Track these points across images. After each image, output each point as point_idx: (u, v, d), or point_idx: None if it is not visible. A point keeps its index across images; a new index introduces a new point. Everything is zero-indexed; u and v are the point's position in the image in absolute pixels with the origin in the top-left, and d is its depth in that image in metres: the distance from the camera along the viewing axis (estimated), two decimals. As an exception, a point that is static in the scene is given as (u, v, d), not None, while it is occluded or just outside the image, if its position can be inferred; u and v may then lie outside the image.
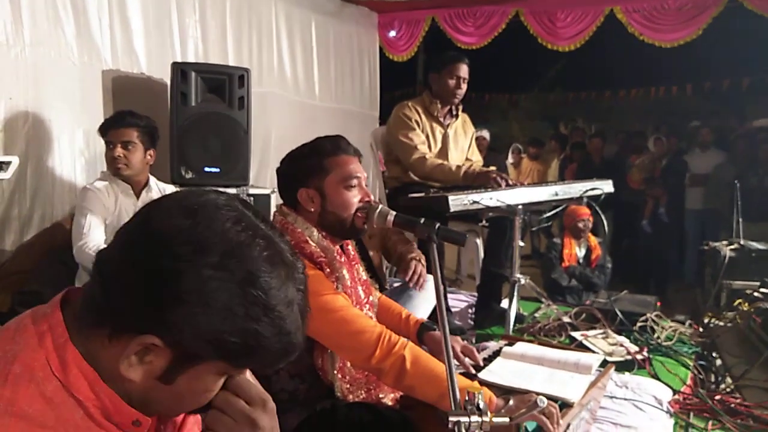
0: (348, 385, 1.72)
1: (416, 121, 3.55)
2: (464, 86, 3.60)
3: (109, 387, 0.78)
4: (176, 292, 0.73)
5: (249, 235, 0.78)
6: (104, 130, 2.90)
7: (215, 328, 0.74)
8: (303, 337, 0.83)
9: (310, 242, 1.72)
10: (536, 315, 3.23)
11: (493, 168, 3.44)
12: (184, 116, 3.41)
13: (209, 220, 0.77)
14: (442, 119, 3.67)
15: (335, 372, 1.71)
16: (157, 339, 0.75)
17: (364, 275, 1.87)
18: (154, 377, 0.78)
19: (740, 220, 3.77)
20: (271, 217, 1.87)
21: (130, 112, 2.94)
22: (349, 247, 1.88)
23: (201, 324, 0.74)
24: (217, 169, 3.50)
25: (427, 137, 3.58)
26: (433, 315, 2.82)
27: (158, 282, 0.74)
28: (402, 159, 3.54)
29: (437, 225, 1.64)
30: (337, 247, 1.78)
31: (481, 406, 1.13)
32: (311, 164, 1.77)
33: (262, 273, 0.76)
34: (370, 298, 1.86)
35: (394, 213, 1.77)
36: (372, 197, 1.83)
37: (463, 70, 3.58)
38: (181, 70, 3.42)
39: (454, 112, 3.73)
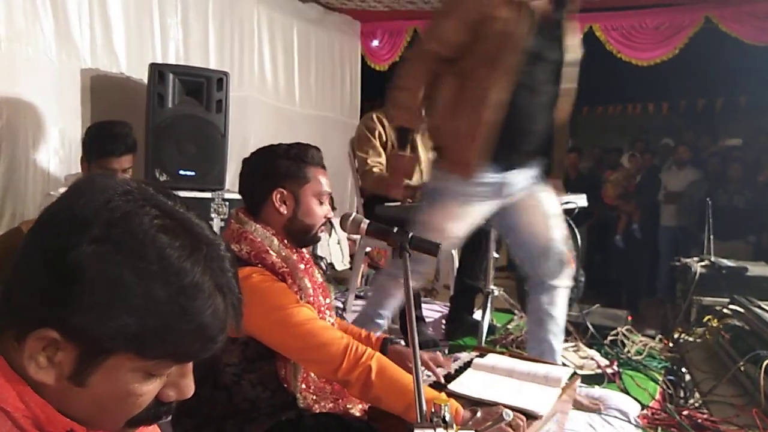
0: (314, 396, 1.69)
1: (379, 132, 3.59)
2: None
3: (39, 396, 0.72)
4: (62, 274, 0.68)
5: (138, 205, 0.71)
6: (101, 155, 2.59)
7: (108, 310, 0.68)
8: (228, 320, 0.75)
9: (271, 252, 1.67)
10: (509, 326, 3.25)
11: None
12: (160, 118, 3.37)
13: (94, 194, 0.71)
14: None
15: (299, 383, 1.67)
16: (53, 332, 0.68)
17: (320, 278, 1.85)
18: (65, 378, 0.71)
19: (711, 237, 3.83)
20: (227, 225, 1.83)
21: (124, 133, 2.64)
22: (304, 250, 1.84)
23: (92, 306, 0.68)
24: (193, 173, 3.46)
25: (393, 145, 3.59)
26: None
27: (44, 266, 0.69)
28: (358, 171, 3.63)
29: (410, 234, 1.64)
30: (296, 255, 1.74)
31: (447, 418, 1.13)
32: (294, 167, 1.74)
33: (155, 242, 0.70)
34: (328, 300, 1.84)
35: (367, 221, 1.77)
36: (332, 215, 1.83)
37: None
38: (158, 71, 3.38)
39: None
